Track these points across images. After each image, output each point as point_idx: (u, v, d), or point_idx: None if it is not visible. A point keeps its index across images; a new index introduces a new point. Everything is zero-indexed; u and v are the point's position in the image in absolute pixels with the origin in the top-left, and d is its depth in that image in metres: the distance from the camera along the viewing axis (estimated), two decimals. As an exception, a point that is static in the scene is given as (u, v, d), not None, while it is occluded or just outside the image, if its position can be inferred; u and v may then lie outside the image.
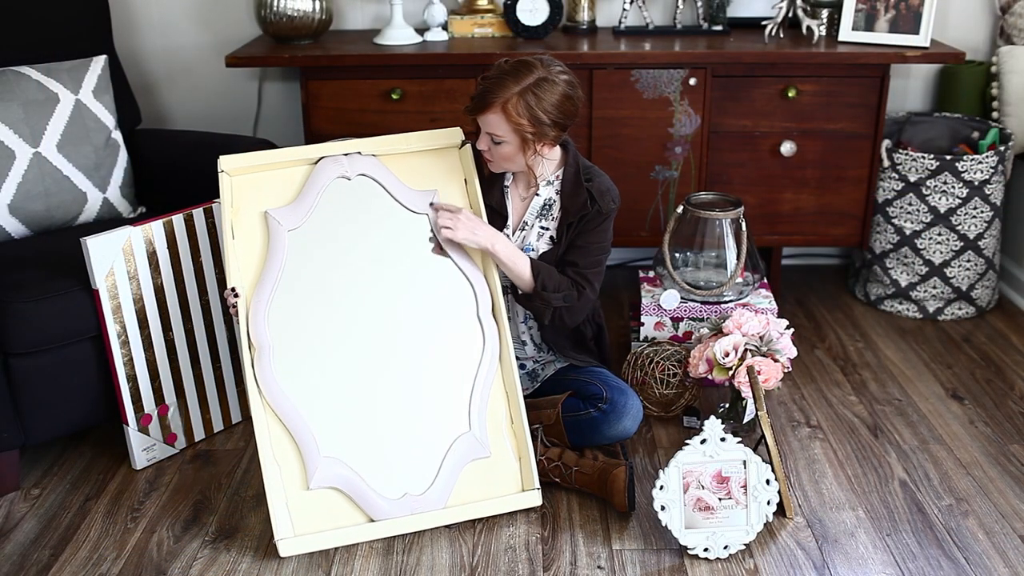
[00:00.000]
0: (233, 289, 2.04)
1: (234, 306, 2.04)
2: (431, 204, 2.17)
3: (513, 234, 2.27)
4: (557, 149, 2.23)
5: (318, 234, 2.09)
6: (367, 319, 2.07)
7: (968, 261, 2.94)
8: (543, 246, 2.25)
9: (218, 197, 2.35)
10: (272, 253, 2.06)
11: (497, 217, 2.26)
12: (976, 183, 2.86)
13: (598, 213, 2.20)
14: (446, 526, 2.06)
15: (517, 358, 2.35)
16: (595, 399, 2.22)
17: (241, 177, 2.09)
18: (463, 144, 2.25)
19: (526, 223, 2.27)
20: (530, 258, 2.17)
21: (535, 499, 2.07)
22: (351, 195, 2.14)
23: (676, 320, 2.63)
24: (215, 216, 2.32)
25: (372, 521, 1.99)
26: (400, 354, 2.07)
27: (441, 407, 2.05)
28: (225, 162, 2.09)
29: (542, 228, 2.26)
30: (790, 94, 2.81)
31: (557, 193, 2.24)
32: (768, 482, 2.03)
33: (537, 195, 2.25)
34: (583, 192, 2.19)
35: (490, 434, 2.06)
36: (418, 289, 2.11)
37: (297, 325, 2.03)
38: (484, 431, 2.05)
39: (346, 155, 2.15)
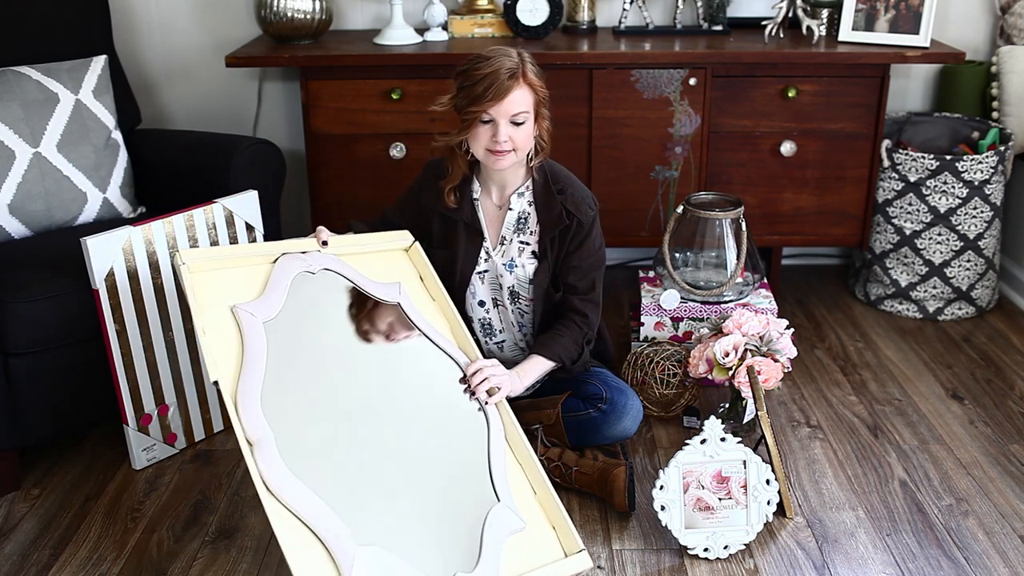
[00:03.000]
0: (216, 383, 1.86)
1: None
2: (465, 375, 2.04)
3: (494, 249, 2.23)
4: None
5: (298, 323, 1.96)
6: (368, 402, 1.94)
7: (968, 261, 2.94)
8: (527, 261, 2.21)
9: (218, 198, 2.36)
10: (251, 345, 1.88)
11: (474, 233, 2.23)
12: (976, 183, 2.86)
13: (580, 226, 2.16)
14: None
15: (517, 361, 2.34)
16: (595, 399, 2.22)
17: (201, 275, 1.96)
18: (411, 245, 2.20)
19: (504, 238, 2.23)
20: (541, 353, 2.15)
21: (585, 561, 1.88)
22: (320, 287, 2.03)
23: (676, 320, 2.63)
24: (215, 216, 2.32)
25: None
26: (408, 434, 1.93)
27: (464, 482, 1.92)
28: (186, 256, 1.94)
29: (522, 243, 2.22)
30: (790, 94, 2.80)
31: (530, 204, 2.20)
32: (768, 482, 2.03)
33: (510, 209, 2.21)
34: (556, 205, 2.16)
35: (520, 507, 1.92)
36: (412, 370, 2.03)
37: (296, 413, 1.85)
38: (513, 502, 1.91)
39: (304, 252, 2.05)
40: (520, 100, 2.05)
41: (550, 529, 1.92)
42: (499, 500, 1.89)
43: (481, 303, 2.28)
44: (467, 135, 2.10)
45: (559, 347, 2.17)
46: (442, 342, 2.07)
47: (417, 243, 2.20)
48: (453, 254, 2.24)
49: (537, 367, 2.15)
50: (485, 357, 2.31)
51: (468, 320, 2.29)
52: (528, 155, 2.15)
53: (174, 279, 2.03)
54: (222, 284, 1.96)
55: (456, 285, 2.25)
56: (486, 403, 2.00)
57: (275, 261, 2.02)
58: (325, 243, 2.07)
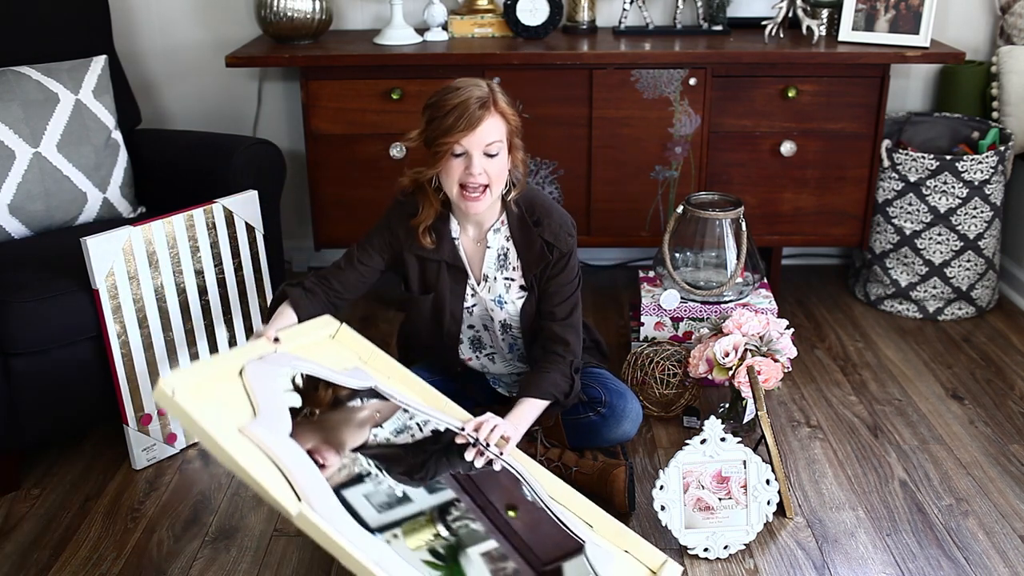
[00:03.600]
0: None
1: None
2: (466, 435, 1.91)
3: (479, 285, 2.16)
4: None
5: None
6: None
7: (968, 261, 2.94)
8: (515, 295, 2.16)
9: (218, 198, 2.36)
10: (292, 460, 1.68)
11: (457, 272, 2.15)
12: (976, 183, 2.86)
13: (560, 256, 2.10)
14: None
15: (511, 374, 2.34)
16: (594, 403, 2.21)
17: (191, 402, 1.73)
18: (337, 330, 2.05)
19: (486, 276, 2.16)
20: (531, 395, 2.05)
21: (675, 568, 1.87)
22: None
23: (676, 320, 2.63)
24: (215, 216, 2.32)
25: None
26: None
27: (548, 532, 1.86)
28: (173, 381, 1.69)
29: (507, 279, 2.15)
30: (790, 94, 2.80)
31: (508, 239, 2.12)
32: (768, 482, 2.03)
33: (488, 247, 2.13)
34: (536, 239, 2.09)
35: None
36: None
37: (369, 499, 1.76)
38: (593, 537, 1.86)
39: (262, 357, 1.87)
40: (492, 129, 1.96)
41: (623, 554, 1.88)
42: (583, 541, 1.83)
43: (471, 326, 2.25)
44: (439, 169, 1.99)
45: (548, 384, 2.07)
46: (429, 412, 1.95)
47: (344, 326, 2.05)
48: (439, 296, 2.17)
49: (531, 410, 2.05)
50: (478, 369, 2.32)
51: (458, 339, 2.25)
52: (504, 190, 2.06)
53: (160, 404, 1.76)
54: (212, 408, 1.71)
55: (447, 325, 2.20)
56: (500, 455, 1.89)
57: (240, 373, 1.81)
58: (277, 340, 1.90)
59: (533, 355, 2.22)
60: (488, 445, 1.89)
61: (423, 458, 1.85)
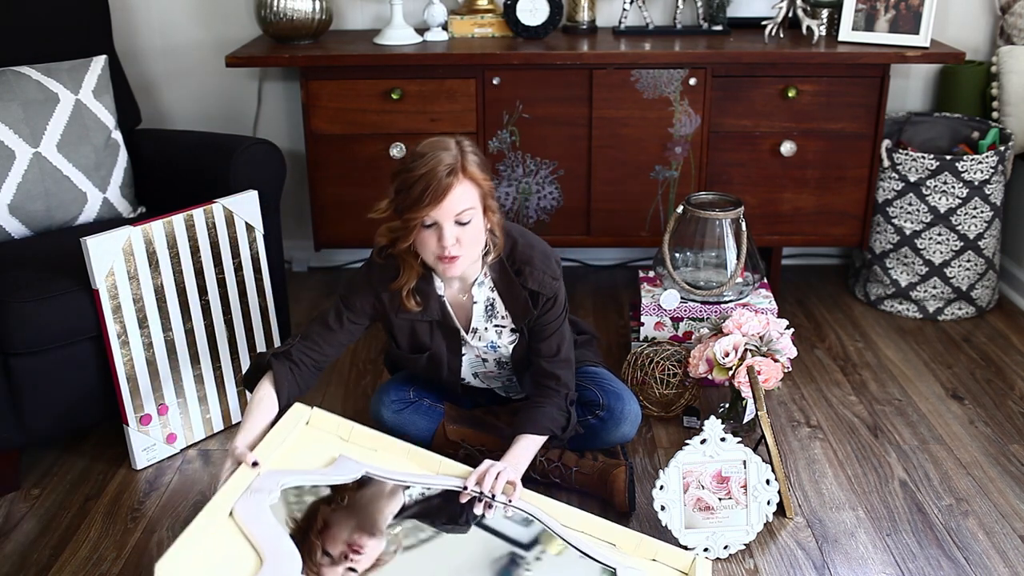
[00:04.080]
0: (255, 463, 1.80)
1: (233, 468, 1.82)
2: (468, 490, 1.89)
3: (470, 336, 2.12)
4: None
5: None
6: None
7: (968, 261, 2.94)
8: (506, 340, 2.12)
9: (218, 198, 2.36)
10: None
11: (448, 330, 2.12)
12: (976, 183, 2.86)
13: (544, 300, 2.05)
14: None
15: (514, 384, 2.32)
16: (592, 406, 2.20)
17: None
18: (311, 415, 1.99)
19: (476, 328, 2.11)
20: (528, 431, 2.02)
21: (705, 563, 1.87)
22: (298, 505, 1.85)
23: (676, 320, 2.63)
24: (215, 216, 2.32)
25: None
26: None
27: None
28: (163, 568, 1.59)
29: (497, 327, 2.11)
30: (790, 94, 2.80)
31: (492, 290, 2.07)
32: (768, 482, 2.03)
33: (475, 302, 2.07)
34: (519, 291, 2.04)
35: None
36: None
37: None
38: (623, 559, 1.86)
39: (247, 489, 1.79)
40: (463, 197, 1.86)
41: (652, 563, 1.88)
42: (614, 568, 1.82)
43: (470, 364, 2.23)
44: (411, 242, 1.92)
45: (544, 419, 2.04)
46: (426, 479, 1.91)
47: (316, 409, 1.99)
48: (435, 354, 2.14)
49: (529, 447, 2.01)
50: (477, 386, 2.30)
51: (458, 381, 2.22)
52: (483, 251, 2.00)
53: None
54: (212, 564, 1.66)
55: (446, 376, 2.18)
56: (509, 502, 1.86)
57: (231, 514, 1.74)
58: (256, 464, 1.81)
59: (525, 385, 2.21)
60: (494, 496, 1.86)
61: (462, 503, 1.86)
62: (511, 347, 2.14)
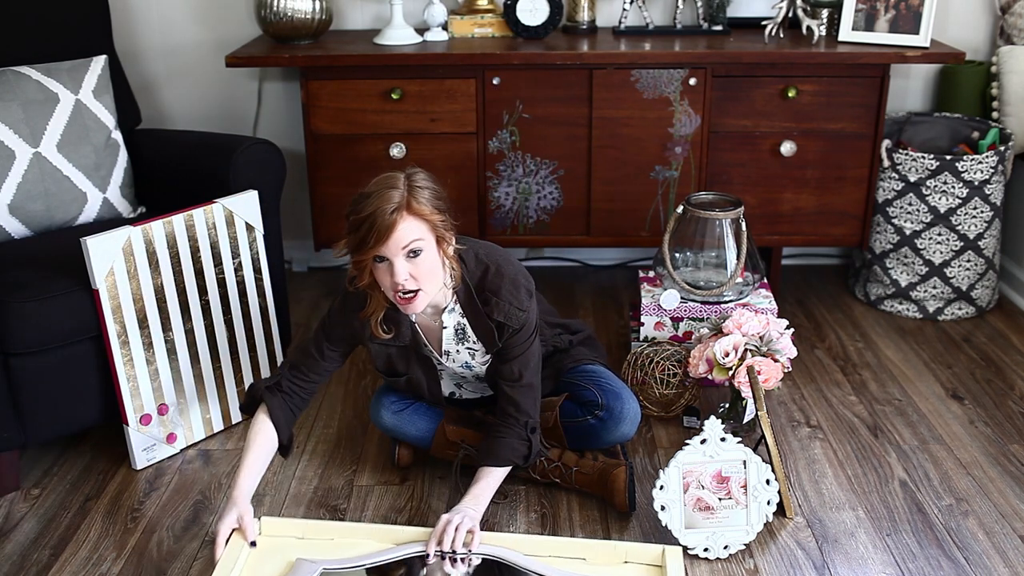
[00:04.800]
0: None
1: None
2: (431, 555, 1.90)
3: (444, 359, 2.13)
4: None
5: None
6: None
7: (968, 261, 2.94)
8: (479, 360, 2.12)
9: (218, 198, 2.36)
10: None
11: (421, 356, 2.13)
12: (976, 183, 2.86)
13: (514, 331, 2.03)
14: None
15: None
16: (591, 406, 2.20)
17: None
18: (260, 528, 1.96)
19: (447, 351, 2.12)
20: (488, 463, 2.03)
21: (675, 551, 1.88)
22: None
23: (676, 320, 2.63)
24: (215, 216, 2.32)
25: None
26: None
27: None
28: None
29: (469, 349, 2.10)
30: (790, 94, 2.80)
31: (462, 316, 2.06)
32: (768, 482, 2.03)
33: (444, 327, 2.07)
34: (487, 323, 2.03)
35: None
36: None
37: None
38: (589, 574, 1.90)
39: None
40: (409, 231, 1.85)
41: (624, 566, 1.90)
42: None
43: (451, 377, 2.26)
44: (367, 280, 1.93)
45: (506, 451, 2.03)
46: (387, 555, 1.90)
47: (264, 518, 1.96)
48: (413, 378, 2.16)
49: (491, 481, 2.02)
50: (468, 398, 2.31)
51: (440, 398, 2.23)
52: (445, 282, 1.98)
53: None
54: None
55: (427, 396, 2.20)
56: (470, 552, 1.87)
57: None
58: (254, 544, 1.91)
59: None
60: (455, 552, 1.87)
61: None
62: (484, 368, 2.14)
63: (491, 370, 2.13)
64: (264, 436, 2.04)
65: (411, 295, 1.90)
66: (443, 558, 1.87)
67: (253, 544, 1.90)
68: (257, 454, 2.02)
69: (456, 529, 1.89)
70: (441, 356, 2.13)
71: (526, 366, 2.07)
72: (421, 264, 1.88)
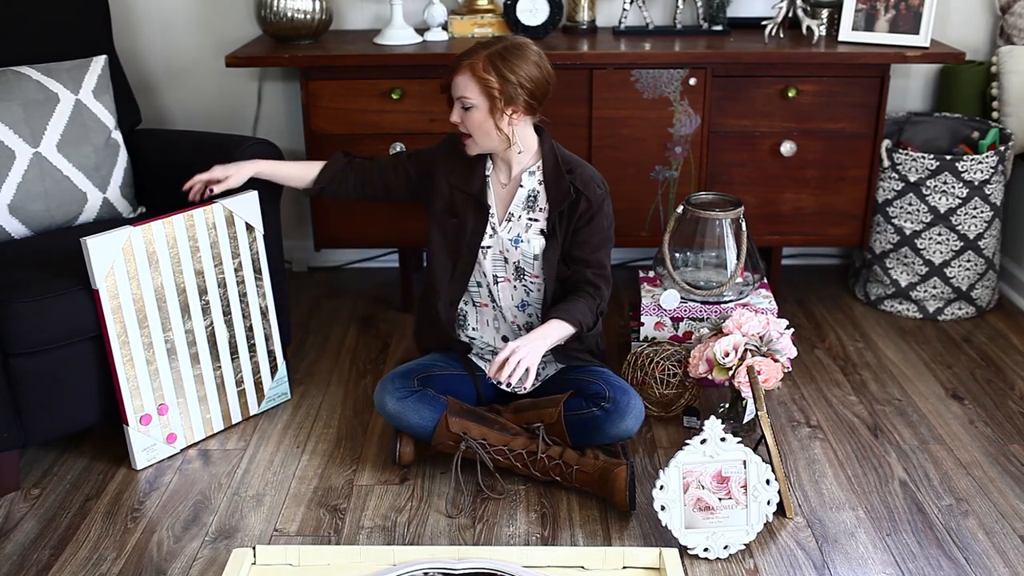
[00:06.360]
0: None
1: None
2: (490, 376, 2.13)
3: (500, 225, 2.28)
4: (533, 137, 2.26)
5: None
6: None
7: (968, 261, 2.94)
8: (533, 237, 2.26)
9: (218, 198, 2.36)
10: None
11: (481, 208, 2.28)
12: (976, 183, 2.86)
13: (588, 204, 2.22)
14: (448, 515, 2.09)
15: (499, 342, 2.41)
16: (597, 398, 2.22)
17: None
18: (256, 556, 1.96)
19: (512, 214, 2.28)
20: (559, 317, 2.19)
21: (672, 553, 1.92)
22: None
23: (676, 320, 2.63)
24: (215, 216, 2.32)
25: None
26: None
27: None
28: None
29: (530, 219, 2.27)
30: (790, 94, 2.81)
31: (540, 183, 2.26)
32: (768, 482, 2.03)
33: (521, 186, 2.26)
34: (565, 181, 2.22)
35: None
36: None
37: None
38: None
39: None
40: (463, 85, 2.14)
41: (622, 571, 1.91)
42: None
43: (478, 283, 2.34)
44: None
45: (577, 311, 2.20)
46: (388, 573, 1.90)
47: (258, 547, 1.96)
48: (461, 225, 2.30)
49: (557, 330, 2.18)
50: (475, 338, 2.41)
51: (467, 280, 2.34)
52: (506, 148, 2.22)
53: None
54: None
55: (463, 254, 2.31)
56: (522, 386, 2.16)
57: None
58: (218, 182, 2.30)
59: (547, 314, 2.28)
60: (510, 384, 2.14)
61: None
62: (535, 244, 2.25)
63: (549, 266, 2.25)
64: (313, 166, 2.40)
65: (467, 137, 2.21)
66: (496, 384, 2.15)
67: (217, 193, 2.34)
68: (297, 165, 2.42)
69: (518, 363, 2.08)
70: (501, 223, 2.28)
71: (606, 258, 2.28)
72: (470, 119, 2.17)
